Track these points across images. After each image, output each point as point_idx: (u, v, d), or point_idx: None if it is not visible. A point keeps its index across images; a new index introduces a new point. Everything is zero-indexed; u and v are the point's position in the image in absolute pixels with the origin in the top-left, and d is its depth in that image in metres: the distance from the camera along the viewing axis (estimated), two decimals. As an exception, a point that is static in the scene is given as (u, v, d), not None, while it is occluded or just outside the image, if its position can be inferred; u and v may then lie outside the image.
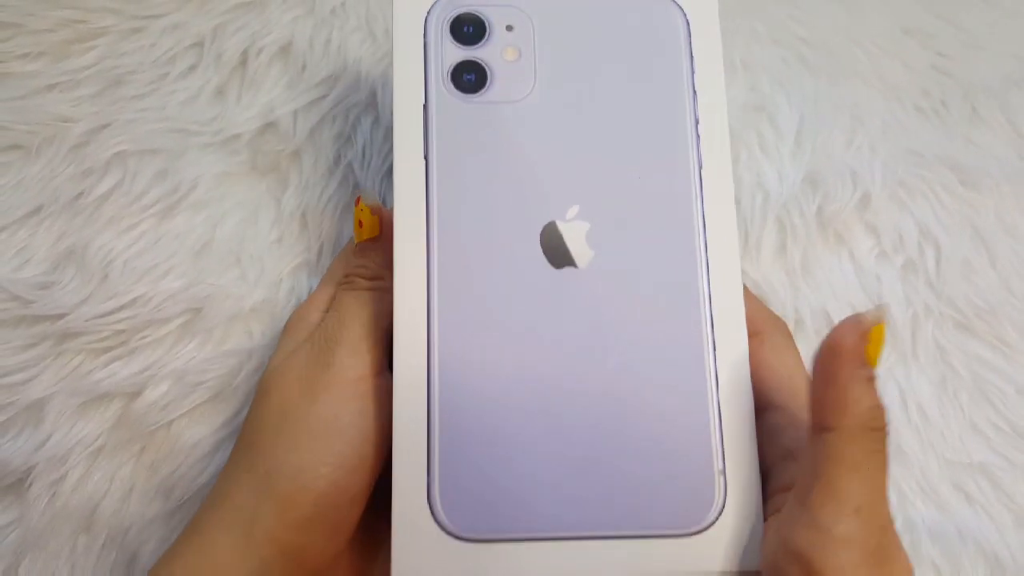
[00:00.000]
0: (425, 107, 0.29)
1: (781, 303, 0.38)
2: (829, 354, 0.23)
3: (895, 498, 0.36)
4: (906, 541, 0.35)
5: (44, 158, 0.38)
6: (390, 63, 0.41)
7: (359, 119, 0.39)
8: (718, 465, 0.27)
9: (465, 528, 0.26)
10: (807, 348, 0.37)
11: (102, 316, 0.35)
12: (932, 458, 0.36)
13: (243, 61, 0.40)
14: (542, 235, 0.28)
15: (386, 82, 0.40)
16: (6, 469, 0.34)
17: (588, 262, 0.28)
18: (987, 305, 0.38)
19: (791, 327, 0.37)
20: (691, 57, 0.30)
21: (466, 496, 0.26)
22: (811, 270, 0.38)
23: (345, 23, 0.41)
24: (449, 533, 0.26)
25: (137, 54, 0.40)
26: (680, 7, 0.30)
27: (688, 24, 0.30)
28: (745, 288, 0.29)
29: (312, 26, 0.41)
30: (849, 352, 0.23)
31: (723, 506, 0.26)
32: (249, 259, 0.37)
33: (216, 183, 0.38)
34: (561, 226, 0.28)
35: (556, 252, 0.28)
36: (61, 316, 0.35)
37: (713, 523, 0.26)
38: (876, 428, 0.23)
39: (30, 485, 0.33)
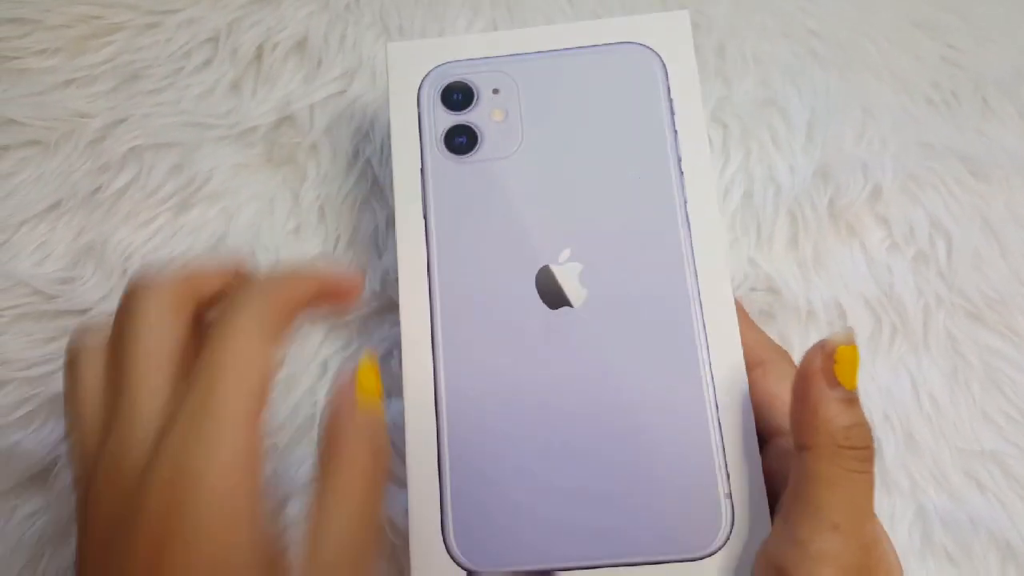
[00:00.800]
0: (422, 171, 0.30)
1: (793, 295, 0.38)
2: (800, 377, 0.24)
3: (908, 486, 0.36)
4: (918, 529, 0.36)
5: (62, 153, 0.38)
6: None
7: (376, 115, 0.40)
8: (724, 489, 0.27)
9: (479, 562, 0.27)
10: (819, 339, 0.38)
11: (122, 310, 0.36)
12: (944, 447, 0.36)
13: (258, 55, 0.41)
14: (537, 279, 0.29)
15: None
16: (31, 460, 0.34)
17: (583, 301, 0.29)
18: (998, 295, 0.38)
19: (803, 319, 0.38)
20: (670, 99, 0.31)
21: (479, 532, 0.27)
22: (823, 262, 0.39)
23: (360, 18, 0.41)
24: (464, 568, 0.27)
25: (153, 49, 0.41)
26: (656, 53, 0.32)
27: (665, 68, 0.31)
28: (747, 318, 0.30)
29: (327, 21, 0.41)
30: (817, 374, 0.24)
31: (731, 528, 0.27)
32: (264, 250, 0.38)
33: (232, 175, 0.39)
34: (555, 269, 0.29)
35: (552, 294, 0.29)
36: (84, 311, 0.36)
37: (722, 545, 0.27)
38: (854, 447, 0.23)
39: (55, 476, 0.34)
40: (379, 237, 0.38)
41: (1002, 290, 0.38)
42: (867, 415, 0.24)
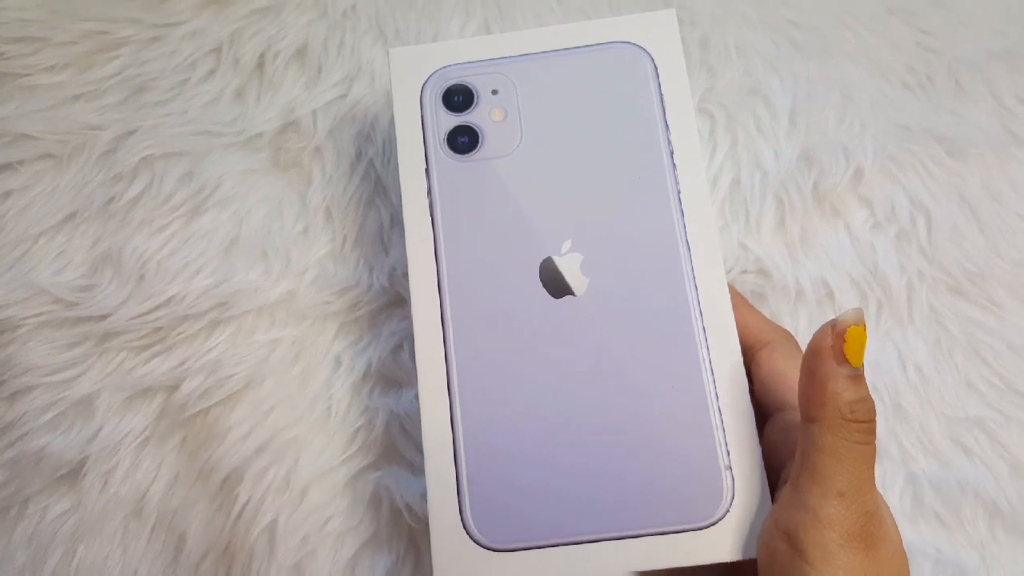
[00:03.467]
0: (427, 171, 0.31)
1: (783, 276, 0.38)
2: (810, 354, 0.25)
3: (898, 453, 0.37)
4: (909, 494, 0.36)
5: (75, 166, 0.38)
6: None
7: (377, 118, 0.40)
8: (724, 461, 0.28)
9: (495, 540, 0.27)
10: (809, 317, 0.38)
11: (141, 316, 0.36)
12: (931, 415, 0.37)
13: (260, 64, 0.41)
14: (540, 270, 0.30)
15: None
16: (60, 461, 0.34)
17: (585, 290, 0.30)
18: (977, 269, 0.39)
19: (792, 298, 0.38)
20: (660, 95, 0.32)
21: (494, 511, 0.28)
22: (810, 242, 0.39)
23: (357, 25, 0.42)
24: (481, 545, 0.27)
25: (158, 61, 0.41)
26: (647, 51, 0.32)
27: (655, 65, 0.32)
28: (748, 303, 0.31)
29: (325, 28, 0.41)
30: (827, 351, 0.24)
31: (732, 498, 0.28)
32: (275, 252, 0.38)
33: (240, 180, 0.39)
34: (557, 260, 0.30)
35: (555, 284, 0.30)
36: (103, 317, 0.36)
37: (725, 515, 0.28)
38: (858, 420, 0.24)
39: (84, 475, 0.34)
40: (384, 234, 0.38)
41: (981, 263, 0.39)
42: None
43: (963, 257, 0.39)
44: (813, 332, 0.38)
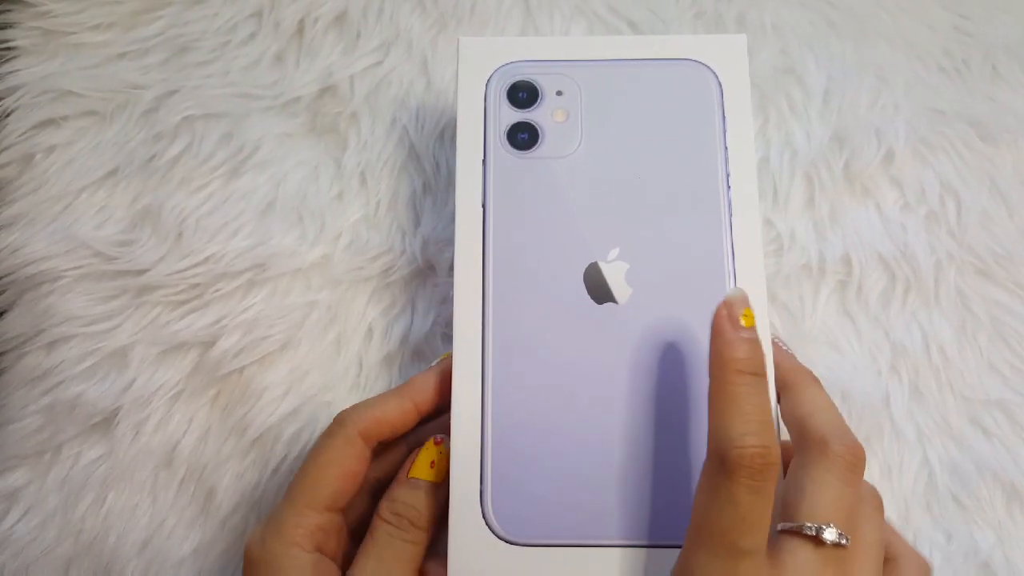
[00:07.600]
0: (484, 161, 0.29)
1: (808, 252, 0.36)
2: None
3: (914, 435, 0.34)
4: (924, 477, 0.34)
5: (118, 123, 0.36)
6: (439, 30, 0.39)
7: (412, 84, 0.37)
8: None
9: (513, 533, 0.26)
10: (834, 290, 0.35)
11: (178, 272, 0.34)
12: (950, 397, 0.35)
13: (300, 29, 0.39)
14: (585, 274, 0.28)
15: (436, 51, 0.38)
16: (95, 409, 0.33)
17: (627, 299, 0.28)
18: (1005, 252, 0.36)
19: (814, 272, 0.35)
20: (723, 117, 0.30)
21: (515, 505, 0.26)
22: (839, 220, 0.36)
23: (396, -8, 0.39)
24: (499, 537, 0.26)
25: (200, 23, 0.38)
26: (713, 72, 0.30)
27: (720, 86, 0.30)
28: (774, 344, 0.29)
29: (365, -5, 0.39)
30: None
31: None
32: (311, 216, 0.36)
33: (278, 143, 0.37)
34: (603, 266, 0.28)
35: (598, 289, 0.28)
36: (142, 272, 0.34)
37: None
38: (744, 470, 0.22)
39: (117, 424, 0.32)
40: (417, 201, 0.36)
41: (1009, 247, 0.36)
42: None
43: (991, 240, 0.36)
44: (836, 306, 0.35)
